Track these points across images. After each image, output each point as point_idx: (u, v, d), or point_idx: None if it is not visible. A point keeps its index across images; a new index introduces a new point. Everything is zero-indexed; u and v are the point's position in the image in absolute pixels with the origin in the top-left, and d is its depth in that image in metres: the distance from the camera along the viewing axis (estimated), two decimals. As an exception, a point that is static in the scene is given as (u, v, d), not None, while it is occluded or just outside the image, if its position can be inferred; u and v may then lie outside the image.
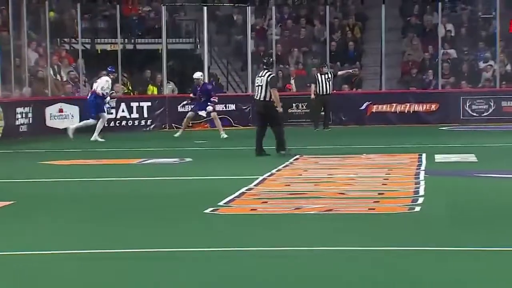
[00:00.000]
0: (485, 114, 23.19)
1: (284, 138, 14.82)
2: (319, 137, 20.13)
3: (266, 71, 15.08)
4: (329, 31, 25.26)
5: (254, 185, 11.07)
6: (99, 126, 19.62)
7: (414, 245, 7.29)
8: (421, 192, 10.17)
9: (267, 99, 14.77)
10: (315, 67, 24.72)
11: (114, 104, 21.50)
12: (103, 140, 19.25)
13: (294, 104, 23.99)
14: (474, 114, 23.35)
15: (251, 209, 9.43)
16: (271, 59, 16.02)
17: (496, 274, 6.21)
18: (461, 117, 23.33)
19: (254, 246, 7.36)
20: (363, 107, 23.55)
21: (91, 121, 19.75)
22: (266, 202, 9.87)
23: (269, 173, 12.23)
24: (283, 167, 13.18)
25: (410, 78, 25.43)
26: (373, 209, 9.22)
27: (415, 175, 11.87)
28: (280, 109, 14.91)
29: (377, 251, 7.11)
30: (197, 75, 20.25)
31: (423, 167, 12.77)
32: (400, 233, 7.85)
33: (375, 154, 14.96)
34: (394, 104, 23.54)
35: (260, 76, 15.04)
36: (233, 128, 22.44)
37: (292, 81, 25.20)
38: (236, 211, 9.34)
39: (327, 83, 21.96)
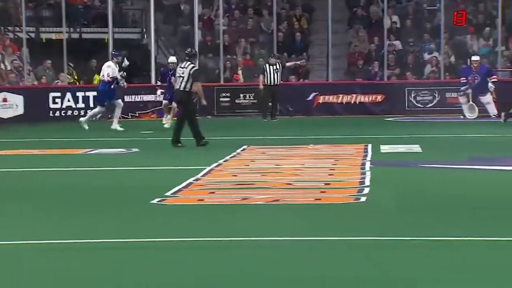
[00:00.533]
0: (430, 105, 23.45)
1: (199, 129, 14.93)
2: (266, 127, 20.17)
3: (189, 62, 15.21)
4: (276, 22, 25.31)
5: (202, 176, 11.06)
6: (117, 113, 19.03)
7: (359, 235, 7.35)
8: (367, 182, 10.26)
9: (187, 89, 14.94)
10: (262, 57, 24.75)
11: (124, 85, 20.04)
12: (122, 129, 18.63)
13: (241, 95, 24.01)
14: (419, 105, 23.60)
15: (198, 200, 9.42)
16: (194, 51, 16.07)
17: (441, 263, 6.30)
18: (406, 108, 23.56)
19: (201, 237, 7.36)
20: (310, 98, 23.65)
21: (97, 110, 19.21)
22: (213, 192, 9.87)
23: (216, 164, 12.23)
24: (230, 157, 13.19)
25: (356, 69, 25.61)
26: (320, 199, 9.28)
27: (361, 165, 11.97)
28: (204, 102, 15.11)
29: (324, 241, 7.16)
30: (172, 59, 19.98)
31: (369, 158, 12.87)
32: (346, 223, 7.91)
33: (321, 144, 15.04)
34: (341, 95, 23.69)
35: (183, 67, 15.17)
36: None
37: (240, 72, 25.21)
38: (183, 201, 9.33)
39: (276, 74, 22.00)
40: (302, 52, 25.81)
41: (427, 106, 23.48)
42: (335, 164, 12.26)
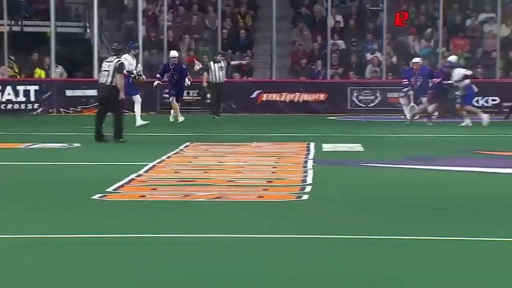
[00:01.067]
0: (372, 104, 23.67)
1: (122, 126, 14.88)
2: (209, 124, 20.16)
3: (114, 57, 15.18)
4: (221, 19, 25.31)
5: (144, 172, 11.01)
6: (137, 110, 18.27)
7: (300, 232, 7.40)
8: (309, 180, 10.32)
9: (113, 84, 14.93)
10: (206, 54, 24.73)
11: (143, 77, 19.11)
12: (148, 121, 18.02)
13: (185, 91, 23.92)
14: (361, 105, 23.81)
15: (140, 196, 9.38)
16: (119, 46, 16.06)
17: (383, 260, 6.37)
18: (349, 107, 23.75)
19: (142, 233, 7.34)
20: (253, 96, 23.70)
21: (137, 101, 18.24)
22: (155, 189, 9.84)
23: (159, 160, 12.19)
24: (173, 154, 13.15)
25: (300, 67, 25.72)
26: (262, 197, 9.30)
27: (304, 163, 12.03)
28: (122, 96, 15.11)
29: (265, 238, 7.18)
30: (174, 53, 19.63)
31: (311, 156, 12.95)
32: (287, 221, 7.95)
33: (264, 142, 15.08)
34: (284, 93, 23.78)
35: (108, 62, 15.18)
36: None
37: (184, 68, 25.13)
38: (124, 197, 9.28)
39: (220, 71, 21.99)
40: (246, 50, 25.84)
41: (369, 105, 23.69)
42: (278, 162, 12.30)
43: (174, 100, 19.51)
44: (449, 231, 7.46)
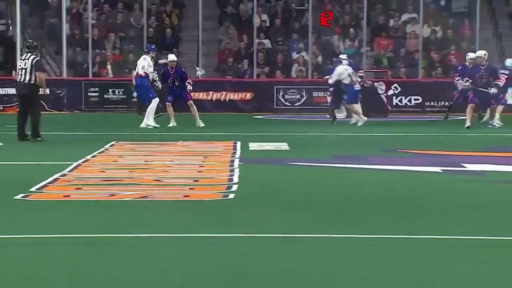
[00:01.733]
0: (298, 103, 23.81)
1: (39, 124, 14.74)
2: (135, 123, 20.00)
3: (30, 54, 15.01)
4: (146, 17, 25.16)
5: (68, 171, 10.87)
6: (149, 111, 17.89)
7: (227, 231, 7.39)
8: (236, 179, 10.32)
9: (32, 82, 14.74)
10: (131, 53, 24.55)
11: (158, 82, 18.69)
12: (158, 126, 17.69)
13: (110, 90, 23.74)
14: (287, 104, 23.94)
15: (64, 196, 9.26)
16: (34, 43, 15.91)
17: (312, 258, 6.40)
18: (275, 106, 23.85)
19: (66, 233, 7.24)
20: (179, 95, 23.56)
21: (153, 104, 17.90)
22: (80, 188, 9.72)
23: (83, 159, 12.05)
24: (98, 153, 13.02)
25: (226, 66, 25.73)
26: (188, 196, 9.27)
27: (230, 162, 12.03)
28: (46, 92, 14.98)
29: (191, 237, 7.16)
30: (172, 57, 18.74)
31: (237, 155, 12.96)
32: (214, 220, 7.94)
33: (191, 141, 15.04)
34: (211, 92, 23.75)
35: (24, 59, 14.98)
36: (48, 112, 21.90)
37: (109, 66, 24.92)
38: (48, 197, 9.15)
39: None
40: (172, 48, 25.73)
41: (295, 104, 23.83)
42: (204, 161, 12.28)
43: (170, 105, 18.49)
44: (371, 229, 7.53)
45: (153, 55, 18.40)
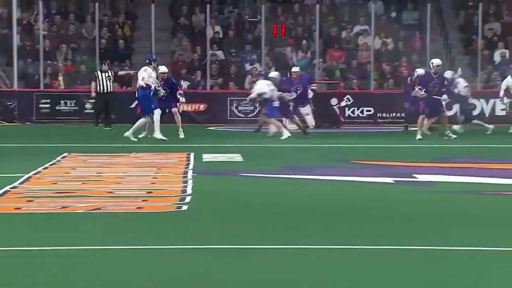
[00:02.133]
0: (251, 115, 23.84)
1: None
2: (88, 134, 19.89)
3: None
4: (98, 28, 25.04)
5: (19, 184, 10.76)
6: (155, 125, 17.43)
7: (181, 243, 7.37)
8: (189, 191, 10.31)
9: None
10: (83, 64, 24.44)
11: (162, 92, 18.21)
12: (166, 139, 17.21)
13: (62, 101, 23.57)
14: (241, 115, 23.97)
15: (15, 208, 9.16)
16: None
17: (267, 269, 6.41)
18: (228, 118, 23.86)
19: (17, 246, 7.16)
20: (133, 106, 23.47)
21: (156, 117, 17.47)
22: (31, 200, 9.62)
23: (35, 171, 11.93)
24: (50, 165, 12.90)
25: (180, 78, 25.68)
26: (141, 208, 9.23)
27: (183, 174, 12.01)
28: None
29: (145, 249, 7.12)
30: (164, 69, 18.64)
31: (191, 166, 12.94)
32: (168, 232, 7.91)
33: (144, 153, 14.98)
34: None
35: None
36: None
37: (60, 78, 24.75)
38: (-1, 210, 9.04)
39: (108, 81, 21.72)
40: (125, 60, 25.66)
41: (249, 116, 23.86)
42: (158, 173, 12.23)
43: (158, 116, 17.91)
44: (323, 239, 7.57)
45: (154, 66, 18.23)
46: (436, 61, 18.74)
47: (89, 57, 25.08)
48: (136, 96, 18.33)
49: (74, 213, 8.79)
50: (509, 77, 20.08)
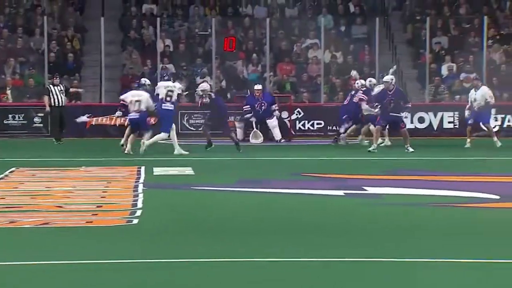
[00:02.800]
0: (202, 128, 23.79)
1: None
2: (36, 149, 19.69)
3: None
4: (47, 42, 24.83)
5: (-34, 199, 10.61)
6: (173, 141, 17.60)
7: (130, 257, 7.32)
8: (140, 205, 10.25)
9: None
10: (32, 78, 24.22)
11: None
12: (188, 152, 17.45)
13: (10, 115, 23.32)
14: (192, 128, 23.92)
15: (-37, 224, 9.03)
16: None
17: (212, 283, 6.39)
18: (179, 131, 23.78)
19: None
20: (82, 120, 23.30)
21: (162, 135, 17.70)
22: (-21, 216, 9.49)
23: (-18, 186, 11.78)
24: (-3, 180, 12.75)
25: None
26: (91, 222, 9.16)
27: (134, 188, 11.94)
28: None
29: (95, 264, 7.06)
30: (145, 80, 19.08)
31: (141, 180, 12.87)
32: (117, 246, 7.86)
33: (94, 167, 14.87)
34: (114, 117, 23.52)
35: None
36: None
37: (9, 91, 24.48)
38: None
39: (61, 94, 21.53)
40: (74, 73, 25.47)
41: (199, 129, 23.82)
42: (108, 187, 12.15)
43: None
44: (275, 252, 7.58)
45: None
46: (386, 78, 18.81)
47: (37, 71, 24.86)
48: (159, 111, 18.25)
49: (22, 228, 8.69)
50: (472, 90, 20.13)
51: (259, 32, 26.91)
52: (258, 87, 21.83)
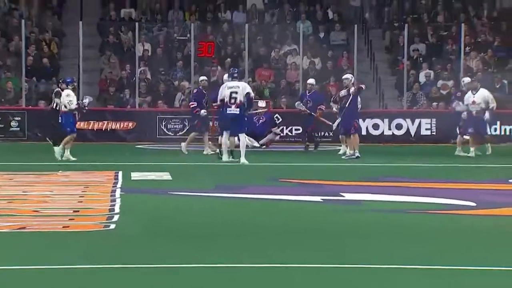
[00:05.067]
0: (180, 133, 23.80)
1: None
2: (14, 153, 19.60)
3: None
4: (25, 45, 24.73)
5: None
6: (224, 147, 16.89)
7: (108, 262, 7.31)
8: (117, 209, 10.23)
9: None
10: (10, 81, 24.10)
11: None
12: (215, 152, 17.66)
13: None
14: (170, 133, 23.91)
15: None
16: None
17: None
18: (157, 136, 23.77)
19: None
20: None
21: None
22: (-45, 220, 9.44)
23: (-41, 190, 11.71)
24: (-26, 184, 12.68)
25: (108, 95, 25.52)
26: (68, 226, 9.12)
27: (111, 192, 11.92)
28: None
29: (71, 269, 7.05)
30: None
31: (119, 185, 12.84)
32: (94, 251, 7.84)
33: (71, 171, 14.82)
34: (92, 122, 23.48)
35: None
36: None
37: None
38: None
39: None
40: (52, 77, 25.38)
41: (178, 134, 23.81)
42: (85, 191, 12.12)
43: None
44: (253, 257, 7.59)
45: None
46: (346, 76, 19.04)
47: (14, 75, 24.76)
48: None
49: (-1, 232, 8.65)
50: (469, 92, 19.23)
51: (238, 38, 26.95)
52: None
